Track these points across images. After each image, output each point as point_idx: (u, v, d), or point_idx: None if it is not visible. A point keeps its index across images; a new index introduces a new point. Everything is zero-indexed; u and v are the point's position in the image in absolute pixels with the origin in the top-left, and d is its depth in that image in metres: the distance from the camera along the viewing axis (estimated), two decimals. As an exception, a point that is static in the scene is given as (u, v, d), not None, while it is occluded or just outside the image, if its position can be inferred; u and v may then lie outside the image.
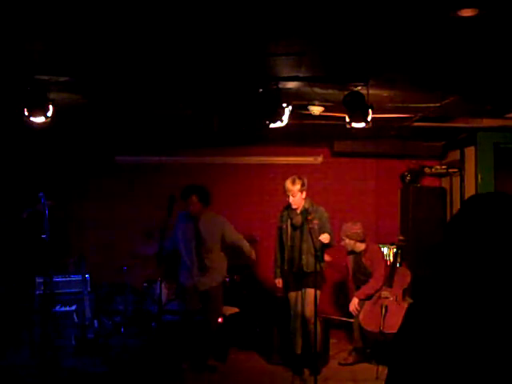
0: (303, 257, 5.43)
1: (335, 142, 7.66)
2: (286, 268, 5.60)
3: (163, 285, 6.18)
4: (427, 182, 7.90)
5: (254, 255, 6.03)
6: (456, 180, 7.46)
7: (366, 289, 5.90)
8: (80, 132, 7.16)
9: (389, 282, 5.90)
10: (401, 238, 6.24)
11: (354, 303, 5.89)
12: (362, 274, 6.04)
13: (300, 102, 5.31)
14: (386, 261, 6.38)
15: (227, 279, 6.98)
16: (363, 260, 6.03)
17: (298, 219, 5.49)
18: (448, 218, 7.47)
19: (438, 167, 7.72)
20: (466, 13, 2.99)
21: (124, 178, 7.76)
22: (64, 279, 6.48)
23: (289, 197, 5.49)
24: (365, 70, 4.41)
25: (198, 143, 7.57)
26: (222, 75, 4.55)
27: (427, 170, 7.75)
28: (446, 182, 7.85)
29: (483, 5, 2.91)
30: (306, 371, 5.49)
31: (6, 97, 5.12)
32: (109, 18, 3.23)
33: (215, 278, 5.81)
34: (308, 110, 5.59)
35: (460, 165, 7.29)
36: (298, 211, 5.50)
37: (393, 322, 5.40)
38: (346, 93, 4.64)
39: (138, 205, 7.61)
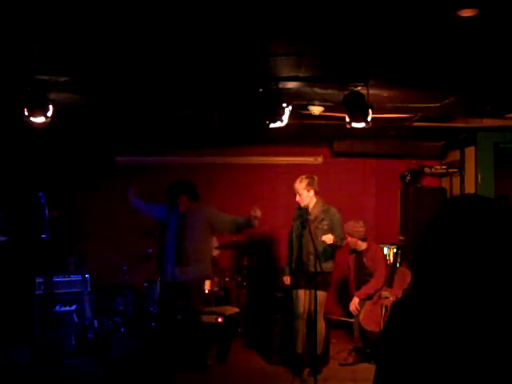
0: (310, 257, 5.41)
1: (335, 141, 7.66)
2: (293, 266, 5.60)
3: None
4: (427, 182, 7.90)
5: (255, 214, 5.54)
6: (456, 180, 7.46)
7: (367, 288, 5.91)
8: (80, 132, 7.16)
9: (389, 282, 5.91)
10: (401, 238, 6.25)
11: (354, 303, 5.90)
12: (363, 274, 6.05)
13: (300, 102, 5.31)
14: (387, 261, 6.38)
15: (226, 279, 7.00)
16: (364, 260, 6.04)
17: (303, 218, 5.47)
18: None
19: (438, 167, 7.71)
20: (466, 13, 2.99)
21: (124, 178, 7.76)
22: (64, 279, 6.47)
23: (296, 196, 5.49)
24: (365, 70, 4.41)
25: (198, 143, 7.57)
26: (222, 75, 4.55)
27: (427, 170, 7.75)
28: (446, 182, 7.85)
29: (483, 5, 2.91)
30: (306, 371, 5.48)
31: (6, 97, 5.12)
32: (109, 17, 3.23)
33: (197, 271, 5.75)
34: (308, 109, 5.59)
35: (460, 165, 7.29)
36: (309, 210, 5.48)
37: (393, 322, 5.39)
38: (346, 93, 4.64)
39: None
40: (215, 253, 6.89)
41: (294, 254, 5.57)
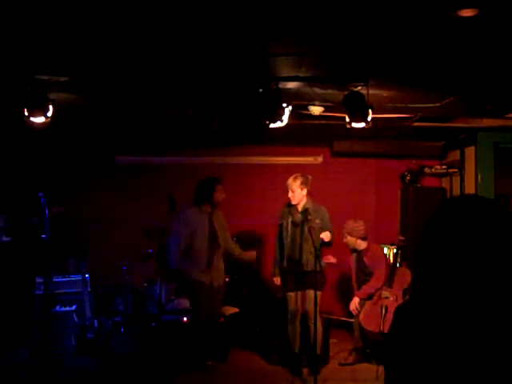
0: (303, 256, 5.42)
1: (335, 142, 7.65)
2: (285, 266, 5.59)
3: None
4: (427, 182, 7.90)
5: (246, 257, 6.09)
6: (456, 180, 7.46)
7: (367, 288, 5.91)
8: (80, 132, 7.16)
9: (389, 282, 5.91)
10: (401, 238, 6.24)
11: (354, 302, 5.90)
12: (364, 274, 6.05)
13: (300, 102, 5.31)
14: (387, 260, 6.39)
15: (227, 279, 6.99)
16: (365, 259, 6.04)
17: (299, 216, 5.49)
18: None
19: (438, 167, 7.71)
20: (466, 13, 2.99)
21: (124, 177, 7.76)
22: (64, 279, 6.47)
23: (289, 192, 5.50)
24: (365, 70, 4.42)
25: (198, 143, 7.56)
26: (223, 75, 4.55)
27: (427, 170, 7.75)
28: (446, 182, 7.85)
29: (483, 5, 2.91)
30: (306, 371, 5.49)
31: (6, 97, 5.12)
32: (109, 17, 3.23)
33: (222, 276, 5.84)
34: (308, 110, 5.59)
35: (460, 165, 7.29)
36: (299, 208, 5.50)
37: (393, 322, 5.39)
38: (346, 93, 4.64)
39: (138, 205, 7.60)
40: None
41: (286, 253, 5.56)
